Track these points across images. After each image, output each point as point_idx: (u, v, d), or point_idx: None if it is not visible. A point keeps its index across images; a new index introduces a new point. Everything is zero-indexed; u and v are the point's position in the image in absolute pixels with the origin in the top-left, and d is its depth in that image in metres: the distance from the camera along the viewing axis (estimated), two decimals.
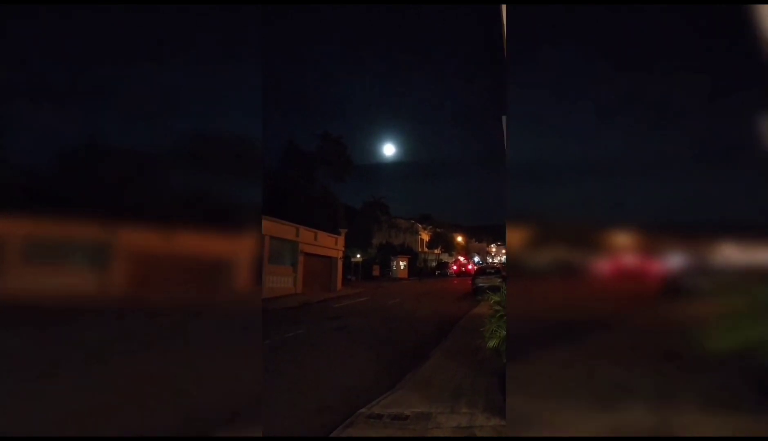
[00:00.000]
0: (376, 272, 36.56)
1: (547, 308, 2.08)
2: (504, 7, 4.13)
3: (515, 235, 2.19)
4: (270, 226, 17.78)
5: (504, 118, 4.87)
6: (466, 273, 43.45)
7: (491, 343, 3.86)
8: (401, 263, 39.80)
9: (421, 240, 50.78)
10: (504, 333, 3.80)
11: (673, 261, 2.14)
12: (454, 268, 47.78)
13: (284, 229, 19.12)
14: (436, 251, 51.63)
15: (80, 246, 2.19)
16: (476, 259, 62.85)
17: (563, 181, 2.17)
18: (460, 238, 58.09)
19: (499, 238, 70.15)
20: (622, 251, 2.15)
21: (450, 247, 52.48)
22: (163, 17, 2.34)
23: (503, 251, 69.18)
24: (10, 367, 1.73)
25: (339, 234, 24.74)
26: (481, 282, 17.63)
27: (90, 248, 2.19)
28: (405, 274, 39.14)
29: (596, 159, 2.22)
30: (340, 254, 24.48)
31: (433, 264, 49.76)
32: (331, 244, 23.62)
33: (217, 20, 2.43)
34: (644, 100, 2.24)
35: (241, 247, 2.24)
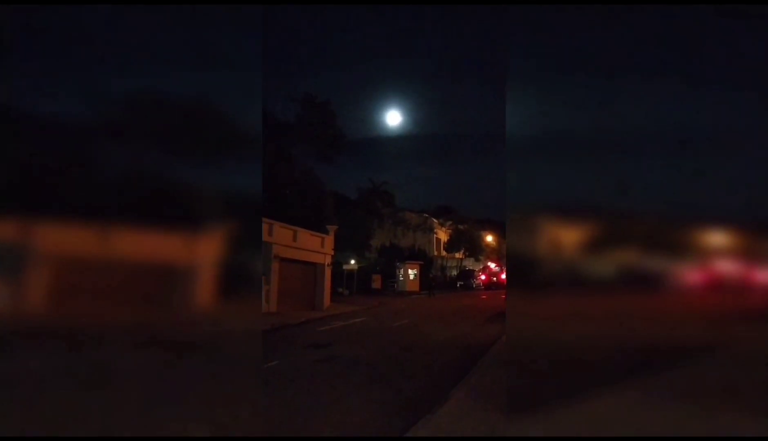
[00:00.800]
0: (376, 284, 36.63)
1: (602, 332, 2.06)
2: None
3: (562, 234, 2.18)
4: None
5: None
6: (499, 284, 43.43)
7: None
8: (410, 272, 39.78)
9: (438, 240, 50.76)
10: None
11: None
12: (483, 277, 47.83)
13: None
14: (457, 255, 51.63)
15: None
16: None
17: (621, 161, 2.16)
18: (490, 238, 57.98)
19: None
20: (716, 256, 2.14)
21: (477, 250, 52.38)
22: None
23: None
24: None
25: (326, 232, 24.79)
26: None
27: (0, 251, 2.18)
28: (416, 287, 39.14)
29: (664, 128, 2.20)
30: (328, 260, 24.54)
31: (454, 272, 49.78)
32: (316, 246, 23.68)
33: None
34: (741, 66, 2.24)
35: (203, 250, 2.23)
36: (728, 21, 2.36)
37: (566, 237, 2.32)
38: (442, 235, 51.53)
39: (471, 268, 51.44)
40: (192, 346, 2.16)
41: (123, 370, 2.11)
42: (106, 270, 2.27)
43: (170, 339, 2.20)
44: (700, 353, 2.09)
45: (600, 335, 2.18)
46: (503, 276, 49.59)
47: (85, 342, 2.16)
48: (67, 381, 2.05)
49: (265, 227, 19.95)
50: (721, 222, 2.31)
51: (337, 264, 28.58)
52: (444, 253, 51.07)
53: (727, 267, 2.23)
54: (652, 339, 2.05)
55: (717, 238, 2.29)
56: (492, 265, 53.00)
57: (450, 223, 50.95)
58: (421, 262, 41.56)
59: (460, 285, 45.39)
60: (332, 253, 25.28)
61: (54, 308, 2.21)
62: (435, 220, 50.55)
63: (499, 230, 61.95)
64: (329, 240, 24.84)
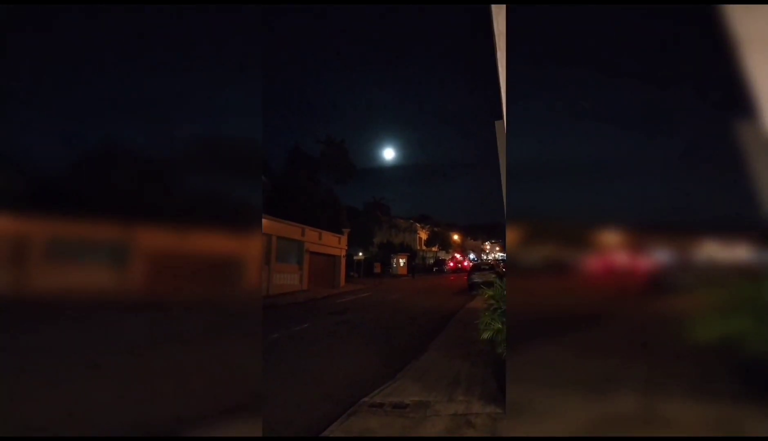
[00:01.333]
0: (377, 269, 36.58)
1: (541, 303, 2.07)
2: (493, 7, 4.07)
3: (513, 234, 2.19)
4: (277, 226, 17.77)
5: (497, 123, 4.86)
6: (462, 269, 43.46)
7: (485, 335, 3.85)
8: (401, 261, 39.85)
9: (420, 238, 50.78)
10: (498, 325, 3.79)
11: (659, 258, 2.14)
12: (451, 264, 47.83)
13: (290, 230, 19.12)
14: (433, 249, 51.64)
15: (100, 246, 2.19)
16: (471, 256, 62.82)
17: (557, 181, 2.17)
18: (456, 237, 58.05)
19: (493, 236, 69.92)
20: (611, 249, 2.14)
21: (447, 245, 52.49)
22: (164, 21, 2.31)
23: (497, 249, 69.06)
24: (55, 357, 1.75)
25: (342, 233, 24.76)
26: (476, 278, 17.64)
27: (109, 248, 2.19)
28: (404, 271, 39.19)
29: (588, 161, 2.22)
30: (343, 252, 24.49)
31: (431, 261, 49.77)
32: (335, 243, 23.64)
33: (218, 25, 2.41)
34: (634, 104, 2.24)
35: (249, 246, 2.24)
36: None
37: (515, 237, 2.31)
38: (423, 235, 51.57)
39: (443, 257, 51.47)
40: (238, 311, 2.17)
41: (193, 325, 2.11)
42: (184, 262, 2.27)
43: (224, 308, 2.20)
44: (598, 318, 2.09)
45: (536, 306, 2.18)
46: (465, 263, 49.64)
47: (170, 310, 2.15)
48: (159, 332, 2.05)
49: (299, 230, 19.89)
50: (615, 224, 2.30)
51: (349, 255, 28.56)
52: (424, 247, 51.08)
53: (618, 257, 2.22)
54: (567, 309, 2.06)
55: (612, 237, 2.28)
56: (457, 255, 52.99)
57: (428, 226, 51.04)
58: (409, 254, 41.62)
59: (435, 269, 45.41)
60: (346, 247, 25.24)
61: (149, 289, 2.21)
62: (418, 225, 50.59)
63: (461, 231, 61.98)
64: (344, 239, 24.81)
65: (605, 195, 2.15)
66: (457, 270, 44.95)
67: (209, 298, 2.09)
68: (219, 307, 2.07)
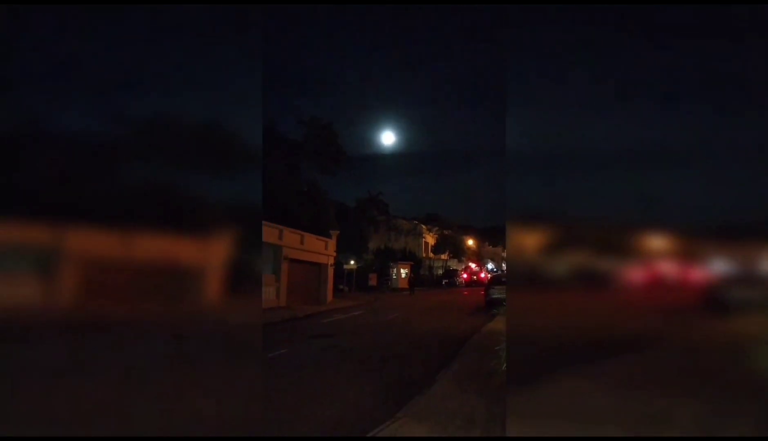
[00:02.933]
0: (372, 281, 36.54)
1: (564, 324, 2.08)
2: None
3: (525, 238, 2.20)
4: None
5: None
6: (479, 282, 43.53)
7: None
8: (402, 271, 39.78)
9: (426, 244, 50.80)
10: None
11: (716, 269, 2.15)
12: (465, 276, 47.93)
13: (265, 231, 19.09)
14: (443, 257, 51.69)
15: (22, 251, 2.18)
16: (490, 265, 62.94)
17: (579, 173, 2.18)
18: (471, 242, 58.14)
19: None
20: (656, 257, 2.15)
21: (459, 252, 52.54)
22: None
23: None
24: None
25: (329, 237, 24.76)
26: (496, 293, 17.72)
27: (34, 253, 2.18)
28: (406, 284, 39.12)
29: (618, 148, 2.22)
30: (331, 260, 24.48)
31: (440, 272, 49.80)
32: (320, 249, 23.62)
33: None
34: (684, 79, 2.24)
35: (212, 252, 2.23)
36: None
37: (530, 241, 2.32)
38: (430, 239, 51.60)
39: (454, 268, 51.52)
40: (199, 336, 2.15)
41: (136, 356, 2.10)
42: (128, 270, 2.26)
43: (181, 329, 2.19)
44: (639, 343, 2.10)
45: (567, 326, 2.19)
46: (482, 275, 49.69)
47: (108, 330, 2.15)
48: (85, 367, 2.03)
49: (276, 232, 19.89)
50: (661, 227, 2.32)
51: (338, 264, 28.53)
52: (431, 254, 51.12)
53: (666, 267, 2.24)
54: (598, 330, 2.07)
55: (657, 242, 2.30)
56: (472, 265, 53.10)
57: (436, 229, 51.04)
58: (412, 263, 41.58)
59: (445, 282, 45.42)
60: (334, 254, 25.24)
61: (81, 303, 2.19)
62: (424, 226, 50.63)
63: (477, 235, 62.13)
64: (332, 243, 24.81)
65: (647, 191, 2.15)
66: (473, 283, 45.03)
67: (163, 316, 2.09)
68: (169, 329, 2.06)
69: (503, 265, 64.19)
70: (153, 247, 2.22)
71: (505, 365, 3.92)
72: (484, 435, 4.14)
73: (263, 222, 19.04)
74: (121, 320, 2.19)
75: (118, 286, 2.16)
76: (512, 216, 2.26)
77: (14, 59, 2.24)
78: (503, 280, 20.63)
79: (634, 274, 2.19)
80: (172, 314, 2.19)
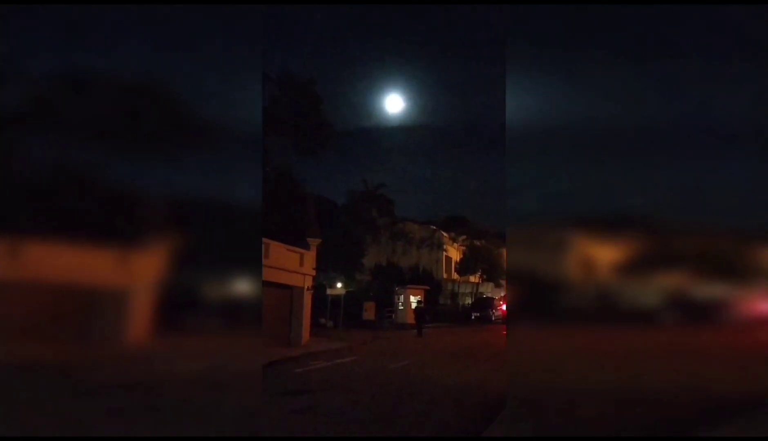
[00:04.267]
0: (368, 313, 36.42)
1: (649, 380, 2.05)
2: None
3: (589, 251, 2.17)
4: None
5: None
6: None
7: None
8: (413, 299, 39.56)
9: (449, 259, 50.78)
10: None
11: None
12: (504, 307, 47.77)
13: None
14: (472, 279, 51.58)
15: None
16: None
17: (644, 159, 2.17)
18: None
19: None
20: None
21: (497, 273, 52.33)
22: None
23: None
24: None
25: (307, 247, 24.73)
26: None
27: None
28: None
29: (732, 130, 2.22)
30: (309, 282, 24.45)
31: (468, 301, 49.69)
32: (293, 265, 23.60)
33: None
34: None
35: (138, 269, 2.19)
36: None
37: (597, 255, 2.32)
38: (454, 253, 51.54)
39: (489, 295, 51.33)
40: (115, 393, 2.15)
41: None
42: (17, 295, 2.25)
43: (91, 382, 2.17)
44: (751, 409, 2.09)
45: (641, 386, 2.17)
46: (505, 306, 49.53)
47: None
48: None
49: None
50: None
51: (319, 287, 28.47)
52: (456, 275, 51.01)
53: None
54: (711, 386, 2.04)
55: None
56: None
57: (463, 238, 50.92)
58: (427, 287, 41.36)
59: (475, 317, 45.19)
60: (314, 273, 25.20)
61: None
62: (444, 234, 50.55)
63: None
64: (310, 257, 24.77)
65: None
66: None
67: (66, 360, 2.06)
68: (74, 379, 2.03)
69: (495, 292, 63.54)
70: (51, 260, 2.20)
71: None
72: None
73: None
74: (5, 363, 2.16)
75: (3, 314, 2.14)
76: (575, 219, 2.26)
77: None
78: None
79: (757, 304, 2.18)
80: (74, 359, 2.16)
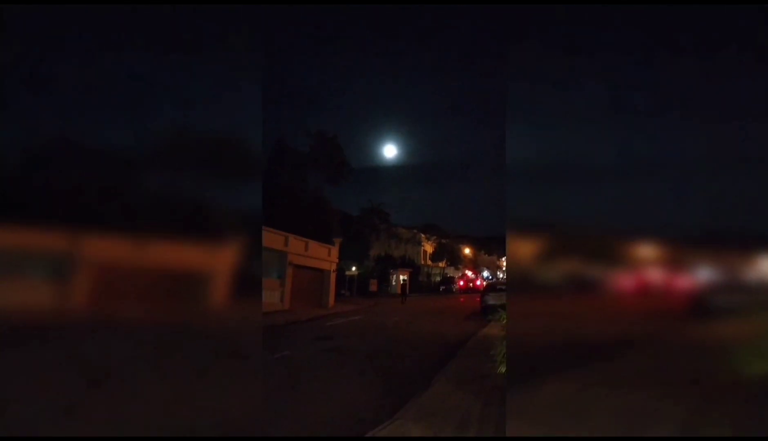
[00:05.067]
0: (373, 287, 36.40)
1: (558, 327, 2.08)
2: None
3: (521, 246, 2.20)
4: None
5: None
6: (474, 289, 43.44)
7: (502, 369, 3.85)
8: (401, 277, 39.62)
9: (425, 252, 50.73)
10: None
11: (702, 276, 2.15)
12: (461, 283, 47.80)
13: (271, 238, 19.11)
14: (440, 264, 51.59)
15: (41, 256, 2.18)
16: (485, 273, 62.74)
17: (574, 185, 2.19)
18: (467, 251, 58.08)
19: None
20: (645, 265, 2.15)
21: (456, 260, 52.44)
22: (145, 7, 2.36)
23: None
24: None
25: (332, 244, 24.72)
26: (491, 299, 17.66)
27: (52, 259, 2.18)
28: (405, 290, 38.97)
29: (610, 161, 2.24)
30: (334, 266, 24.42)
31: (437, 279, 49.65)
32: (324, 255, 23.59)
33: (206, 9, 2.45)
34: (665, 94, 2.27)
35: (220, 259, 2.24)
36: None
37: (526, 249, 2.32)
38: (428, 248, 51.53)
39: (451, 275, 51.35)
40: (206, 336, 2.15)
41: (151, 354, 2.09)
42: (141, 276, 2.26)
43: (189, 330, 2.18)
44: (628, 346, 2.09)
45: (561, 330, 2.18)
46: (478, 282, 49.57)
47: (121, 332, 2.14)
48: (96, 366, 2.02)
49: (281, 239, 19.88)
50: (649, 235, 2.32)
51: (340, 270, 28.46)
52: (429, 262, 51.01)
53: (653, 275, 2.24)
54: (589, 334, 2.06)
55: (645, 250, 2.30)
56: (469, 272, 52.94)
57: (434, 237, 51.02)
58: (411, 269, 41.52)
59: (442, 289, 45.25)
60: (337, 260, 25.18)
61: (96, 306, 2.20)
62: (422, 235, 50.58)
63: (474, 244, 62.08)
64: (335, 250, 24.77)
65: (636, 201, 2.16)
66: (469, 290, 44.93)
67: (173, 319, 2.09)
68: (186, 329, 2.07)
69: (498, 273, 64.06)
70: (165, 253, 2.23)
71: (501, 368, 3.89)
72: (480, 435, 4.10)
73: (271, 229, 19.05)
74: (132, 322, 2.18)
75: (131, 289, 2.17)
76: (511, 225, 2.27)
77: (43, 74, 2.27)
78: (498, 287, 20.55)
79: (624, 281, 2.19)
80: (180, 316, 2.19)
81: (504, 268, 71.05)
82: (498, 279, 51.19)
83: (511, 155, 2.22)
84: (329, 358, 8.58)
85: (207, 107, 2.31)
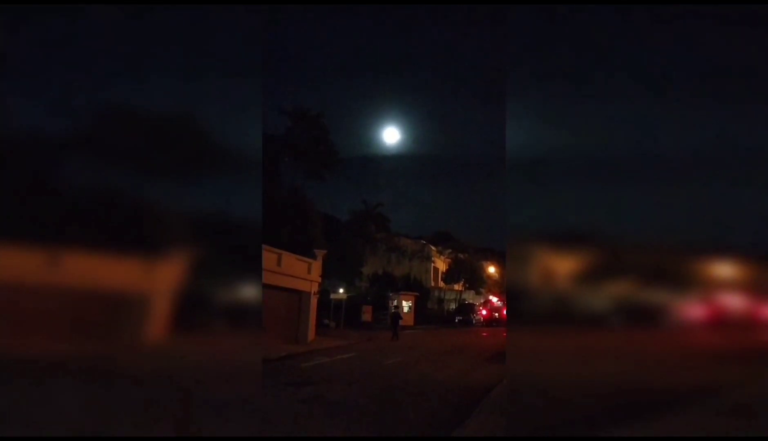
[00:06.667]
0: (366, 316, 36.22)
1: (600, 372, 2.05)
2: None
3: (550, 263, 2.19)
4: None
5: None
6: (501, 321, 43.15)
7: None
8: (405, 303, 39.44)
9: (436, 270, 50.68)
10: None
11: None
12: (484, 312, 47.52)
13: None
14: (456, 287, 51.45)
15: None
16: None
17: (625, 185, 2.19)
18: (492, 269, 57.97)
19: None
20: (720, 288, 2.15)
21: (478, 282, 52.25)
22: None
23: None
24: None
25: (314, 257, 24.65)
26: None
27: None
28: (410, 320, 38.74)
29: (672, 155, 2.24)
30: (315, 288, 24.33)
31: (452, 306, 49.48)
32: (302, 273, 23.50)
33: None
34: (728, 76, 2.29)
35: (160, 277, 2.20)
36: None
37: (561, 267, 2.32)
38: (440, 265, 51.47)
39: (471, 301, 51.13)
40: (134, 381, 2.13)
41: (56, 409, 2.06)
42: (52, 297, 2.24)
43: (114, 372, 2.16)
44: (701, 397, 2.08)
45: (597, 376, 2.16)
46: (505, 312, 49.35)
47: (21, 374, 2.11)
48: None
49: None
50: (727, 252, 2.32)
51: (324, 292, 28.31)
52: (442, 284, 50.87)
53: (732, 301, 2.24)
54: (650, 381, 2.04)
55: (722, 270, 2.30)
56: (494, 299, 52.73)
57: (449, 251, 50.96)
58: (417, 294, 41.24)
59: (458, 320, 44.91)
60: (319, 280, 25.09)
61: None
62: (433, 248, 50.52)
63: (501, 261, 61.99)
64: (317, 266, 24.68)
65: (712, 207, 2.15)
66: (494, 321, 44.65)
67: (82, 354, 2.05)
68: (99, 371, 2.01)
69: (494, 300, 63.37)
70: (87, 268, 2.20)
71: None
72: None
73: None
74: (41, 358, 2.15)
75: (39, 316, 2.14)
76: (534, 235, 2.27)
77: None
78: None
79: (692, 309, 2.19)
80: (100, 353, 2.15)
81: None
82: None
83: (526, 147, 2.24)
84: (307, 411, 8.52)
85: (161, 80, 2.29)
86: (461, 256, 50.51)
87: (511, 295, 2.52)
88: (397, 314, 27.83)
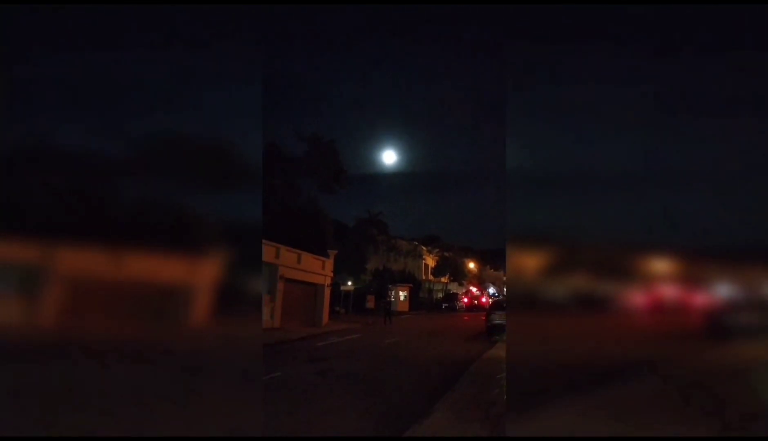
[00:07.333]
0: (370, 303, 36.13)
1: (564, 349, 2.06)
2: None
3: (523, 260, 2.20)
4: None
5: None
6: (480, 307, 43.15)
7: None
8: (401, 293, 39.44)
9: (426, 266, 50.56)
10: None
11: (720, 293, 2.14)
12: (465, 300, 47.49)
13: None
14: (443, 279, 51.36)
15: (9, 269, 2.16)
16: (491, 290, 62.52)
17: (581, 194, 2.20)
18: (472, 265, 57.93)
19: None
20: (658, 281, 2.15)
21: (460, 275, 52.21)
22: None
23: None
24: None
25: (327, 256, 24.62)
26: (497, 318, 17.60)
27: (21, 272, 2.16)
28: (405, 307, 38.74)
29: (620, 168, 2.25)
30: (328, 281, 24.28)
31: (440, 295, 49.37)
32: (317, 269, 23.47)
33: (203, 10, 2.47)
34: (678, 97, 2.29)
35: (201, 272, 2.22)
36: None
37: (529, 264, 2.32)
38: (430, 261, 51.38)
39: (455, 291, 51.08)
40: (184, 356, 2.13)
41: (123, 381, 2.06)
42: (116, 291, 2.25)
43: (169, 352, 2.16)
44: (641, 369, 2.08)
45: (566, 352, 2.17)
46: (483, 299, 49.32)
47: (90, 354, 2.11)
48: (66, 392, 1.99)
49: (272, 250, 19.83)
50: (664, 250, 2.32)
51: (335, 285, 28.27)
52: (431, 277, 50.81)
53: (669, 291, 2.23)
54: (599, 356, 2.05)
55: (660, 265, 2.30)
56: (473, 289, 52.67)
57: (437, 250, 50.90)
58: (411, 285, 41.30)
59: (444, 306, 44.89)
60: (331, 274, 25.06)
61: (65, 324, 2.17)
62: (424, 248, 50.48)
63: (479, 258, 61.96)
64: (329, 263, 24.66)
65: (649, 212, 2.16)
66: (473, 308, 44.62)
67: (148, 338, 2.06)
68: (160, 351, 2.04)
69: (505, 289, 63.74)
70: (142, 266, 2.22)
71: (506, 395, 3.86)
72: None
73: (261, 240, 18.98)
74: (106, 340, 2.16)
75: (105, 306, 2.15)
76: (512, 237, 2.27)
77: (17, 76, 2.29)
78: (504, 305, 20.48)
79: (636, 298, 2.18)
80: (157, 335, 2.16)
81: None
82: (504, 296, 51.08)
83: (512, 162, 2.23)
84: (322, 382, 8.48)
85: (198, 110, 2.32)
86: (447, 254, 50.51)
87: (509, 289, 2.52)
88: (389, 303, 28.13)
